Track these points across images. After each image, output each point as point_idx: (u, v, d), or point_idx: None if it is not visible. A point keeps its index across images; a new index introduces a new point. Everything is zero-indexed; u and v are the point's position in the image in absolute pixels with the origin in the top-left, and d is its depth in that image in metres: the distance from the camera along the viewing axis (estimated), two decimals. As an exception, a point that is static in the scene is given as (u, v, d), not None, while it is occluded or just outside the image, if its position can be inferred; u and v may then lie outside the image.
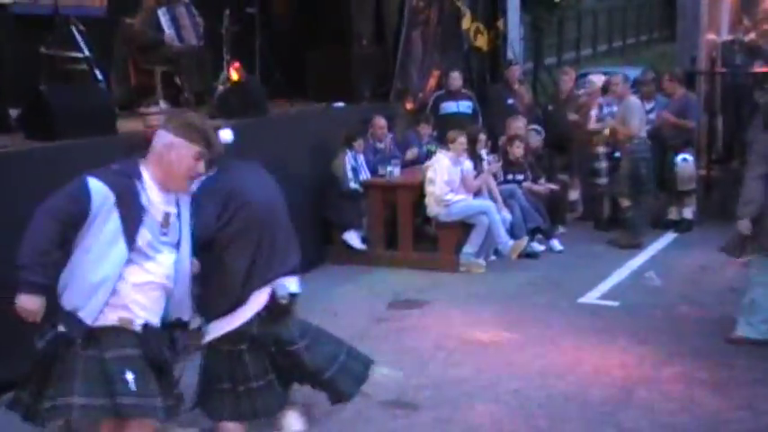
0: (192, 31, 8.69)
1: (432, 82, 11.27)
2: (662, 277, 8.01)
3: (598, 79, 10.43)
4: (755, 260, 6.24)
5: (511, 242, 8.60)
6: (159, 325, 3.75)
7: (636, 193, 9.24)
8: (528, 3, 17.41)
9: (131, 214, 3.58)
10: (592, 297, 7.65)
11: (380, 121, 9.44)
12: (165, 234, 3.71)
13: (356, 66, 10.14)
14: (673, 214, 9.98)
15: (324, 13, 10.54)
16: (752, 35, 11.43)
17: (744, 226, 6.05)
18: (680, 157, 9.64)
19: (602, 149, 9.82)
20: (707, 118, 10.48)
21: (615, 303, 7.42)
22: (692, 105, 9.90)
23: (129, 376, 3.54)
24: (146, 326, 3.67)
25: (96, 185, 3.54)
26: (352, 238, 8.85)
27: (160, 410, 3.63)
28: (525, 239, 8.80)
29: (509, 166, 9.43)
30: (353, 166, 8.87)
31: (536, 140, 10.05)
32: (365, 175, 9.00)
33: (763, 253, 6.10)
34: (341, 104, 9.72)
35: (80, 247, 3.59)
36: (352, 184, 8.82)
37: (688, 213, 9.85)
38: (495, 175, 9.15)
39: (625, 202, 9.31)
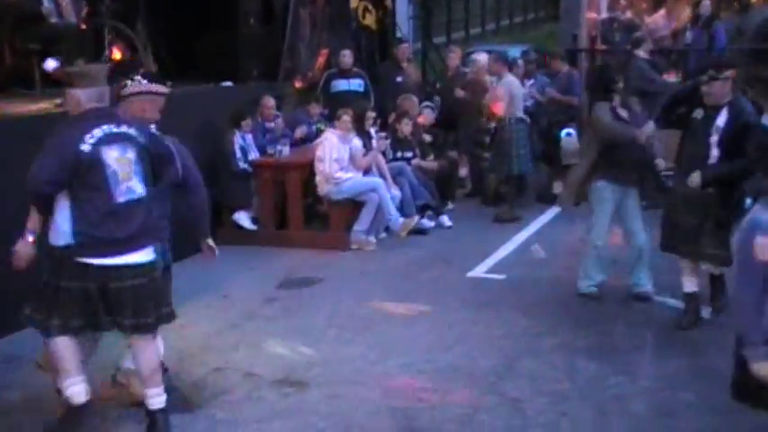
0: (72, 8, 8.41)
1: (321, 61, 11.23)
2: (547, 250, 8.23)
3: (482, 57, 10.58)
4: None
5: (401, 220, 8.70)
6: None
7: (509, 169, 9.47)
8: (416, -19, 17.49)
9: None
10: (480, 271, 7.82)
11: (269, 101, 9.38)
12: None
13: (244, 45, 10.03)
14: (558, 188, 10.22)
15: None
16: (629, 13, 11.83)
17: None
18: (564, 132, 9.89)
19: (491, 125, 9.97)
20: (588, 94, 10.76)
21: (502, 277, 7.60)
22: (574, 82, 10.18)
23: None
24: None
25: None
26: (243, 219, 8.79)
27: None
28: (415, 218, 8.91)
29: (398, 143, 9.52)
30: (242, 147, 8.79)
31: (430, 117, 10.20)
32: (254, 154, 8.93)
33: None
34: (229, 84, 9.61)
35: None
36: (242, 165, 8.75)
37: (572, 187, 10.11)
38: (384, 153, 9.22)
39: (499, 177, 9.53)
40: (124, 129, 4.46)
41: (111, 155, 4.36)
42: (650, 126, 6.53)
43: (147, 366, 4.57)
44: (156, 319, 4.52)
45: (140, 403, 4.67)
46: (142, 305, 4.44)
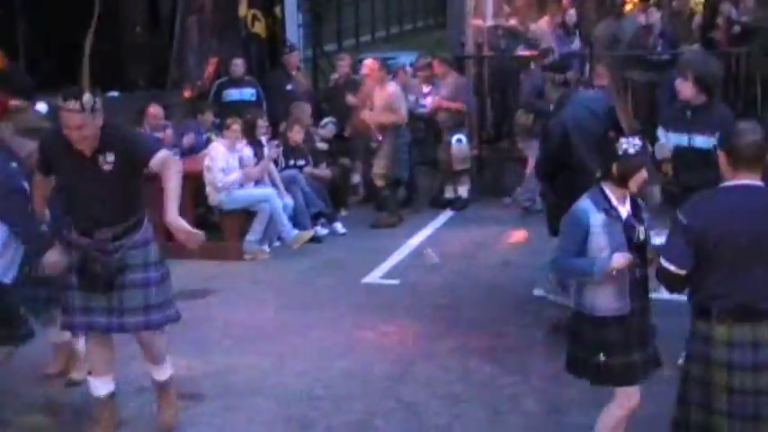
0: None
1: (210, 69, 11.13)
2: (440, 254, 8.34)
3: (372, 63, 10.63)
4: None
5: (294, 232, 8.65)
6: None
7: (392, 175, 9.58)
8: (306, -11, 17.50)
9: None
10: (374, 277, 7.86)
11: (155, 110, 9.21)
12: None
13: (130, 53, 9.88)
14: (449, 193, 10.38)
15: (95, 1, 10.13)
16: (513, 20, 12.08)
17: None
18: (454, 138, 10.03)
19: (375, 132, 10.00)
20: (477, 100, 10.95)
21: (396, 282, 7.66)
22: (462, 89, 10.31)
23: None
24: None
25: None
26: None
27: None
28: (309, 233, 8.85)
29: (290, 151, 9.48)
30: (130, 157, 8.60)
31: (331, 131, 10.29)
32: (143, 165, 8.75)
33: None
34: (115, 94, 9.42)
35: None
36: (130, 176, 8.56)
37: (463, 192, 10.27)
38: (276, 161, 9.18)
39: (380, 183, 9.62)
40: None
41: None
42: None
43: None
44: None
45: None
46: None
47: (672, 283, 3.70)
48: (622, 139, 4.09)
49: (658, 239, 4.07)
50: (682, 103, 5.51)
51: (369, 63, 10.03)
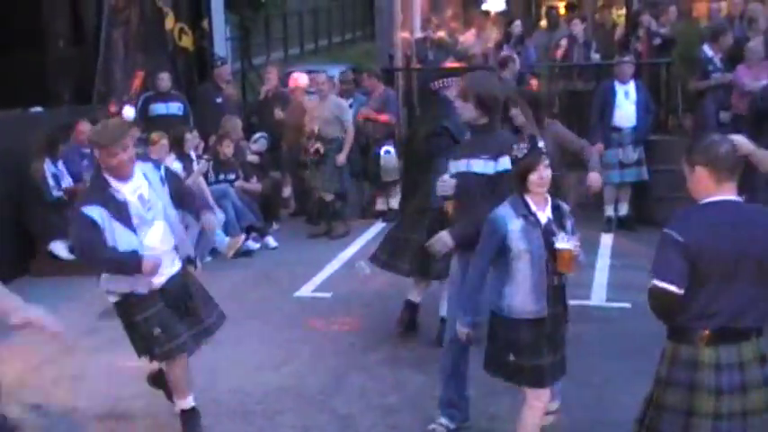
0: None
1: (137, 83, 10.98)
2: (372, 266, 8.34)
3: (302, 77, 10.65)
4: None
5: (226, 239, 8.62)
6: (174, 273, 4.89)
7: (339, 187, 9.61)
8: (233, 2, 17.42)
9: (120, 211, 4.64)
10: (307, 290, 7.85)
11: (83, 126, 9.06)
12: (149, 209, 4.75)
13: (53, 68, 9.70)
14: (380, 204, 10.43)
15: (16, 14, 9.96)
16: (440, 33, 12.22)
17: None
18: (383, 149, 10.09)
19: (314, 146, 9.97)
20: (406, 112, 11.03)
21: (328, 295, 7.67)
22: (391, 101, 10.39)
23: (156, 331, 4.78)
24: (166, 282, 4.83)
25: (91, 210, 4.58)
26: (59, 249, 8.45)
27: (187, 344, 4.88)
28: (241, 237, 8.85)
29: (220, 165, 9.42)
30: (54, 174, 8.47)
31: (263, 146, 10.26)
32: (68, 181, 8.62)
33: None
34: (39, 109, 9.24)
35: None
36: (56, 193, 8.43)
37: (394, 203, 10.31)
38: (206, 176, 9.11)
39: (329, 197, 9.63)
40: None
41: None
42: None
43: None
44: None
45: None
46: None
47: (668, 305, 3.44)
48: (514, 146, 4.28)
49: (561, 244, 4.13)
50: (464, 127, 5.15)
51: (318, 77, 9.96)
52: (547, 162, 4.21)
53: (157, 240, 4.80)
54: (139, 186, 4.75)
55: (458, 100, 4.89)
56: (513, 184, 4.28)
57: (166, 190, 4.91)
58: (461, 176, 4.80)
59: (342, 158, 9.53)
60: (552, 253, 4.14)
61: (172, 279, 4.89)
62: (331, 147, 9.54)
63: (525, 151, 4.21)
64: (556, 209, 4.27)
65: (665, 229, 3.46)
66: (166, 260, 4.85)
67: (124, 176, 4.69)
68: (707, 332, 3.42)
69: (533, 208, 4.20)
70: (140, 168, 4.80)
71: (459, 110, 4.89)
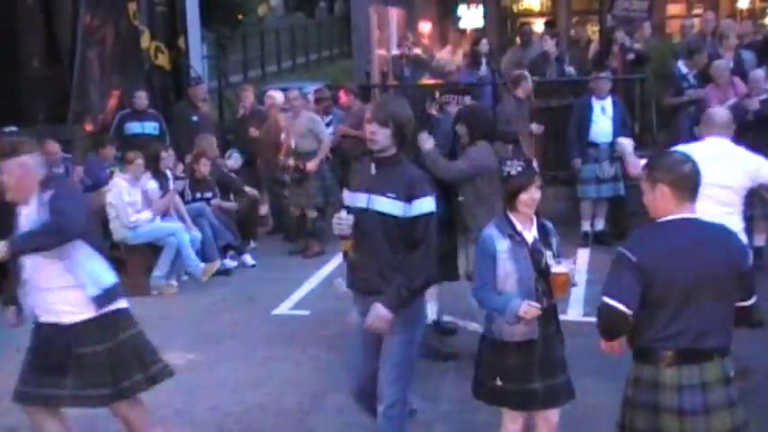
0: None
1: (113, 102, 10.97)
2: (350, 283, 8.33)
3: (278, 94, 10.65)
4: None
5: (202, 265, 8.56)
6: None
7: (323, 202, 9.60)
8: (210, 21, 17.44)
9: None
10: (285, 308, 7.83)
11: (51, 147, 8.99)
12: None
13: (28, 87, 9.65)
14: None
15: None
16: (417, 50, 12.27)
17: None
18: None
19: (291, 162, 9.94)
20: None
21: (306, 313, 7.65)
22: (368, 117, 10.40)
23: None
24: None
25: None
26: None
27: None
28: (217, 263, 8.79)
29: (196, 184, 9.40)
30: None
31: (239, 161, 10.24)
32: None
33: None
34: (13, 128, 9.18)
35: None
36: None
37: (371, 219, 10.29)
38: (182, 194, 9.08)
39: (312, 213, 9.61)
40: None
41: None
42: None
43: None
44: None
45: None
46: None
47: (616, 324, 3.44)
48: (508, 162, 4.24)
49: (557, 268, 4.08)
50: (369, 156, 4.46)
51: (290, 94, 9.96)
52: (539, 183, 4.16)
53: (40, 275, 4.29)
54: (29, 214, 4.27)
55: (373, 124, 4.23)
56: (503, 201, 4.21)
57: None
58: (361, 215, 4.24)
59: (311, 166, 9.46)
60: (541, 273, 4.09)
61: (48, 326, 4.36)
62: (309, 161, 9.54)
63: (519, 169, 4.15)
64: (541, 228, 4.23)
65: (621, 248, 3.46)
66: (47, 301, 4.33)
67: (14, 200, 4.31)
68: (670, 353, 3.40)
69: (519, 228, 4.15)
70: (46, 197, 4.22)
71: (371, 135, 4.24)
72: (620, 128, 9.37)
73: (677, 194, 3.43)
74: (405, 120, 4.25)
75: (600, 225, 9.68)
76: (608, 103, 9.38)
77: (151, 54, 11.51)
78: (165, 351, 6.63)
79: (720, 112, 5.91)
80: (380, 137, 4.22)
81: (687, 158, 3.51)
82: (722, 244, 3.47)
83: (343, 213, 4.27)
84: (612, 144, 9.32)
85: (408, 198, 4.16)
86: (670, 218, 3.45)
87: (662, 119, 10.35)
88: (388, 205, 4.18)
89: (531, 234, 4.18)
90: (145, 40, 11.39)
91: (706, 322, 3.39)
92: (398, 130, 4.22)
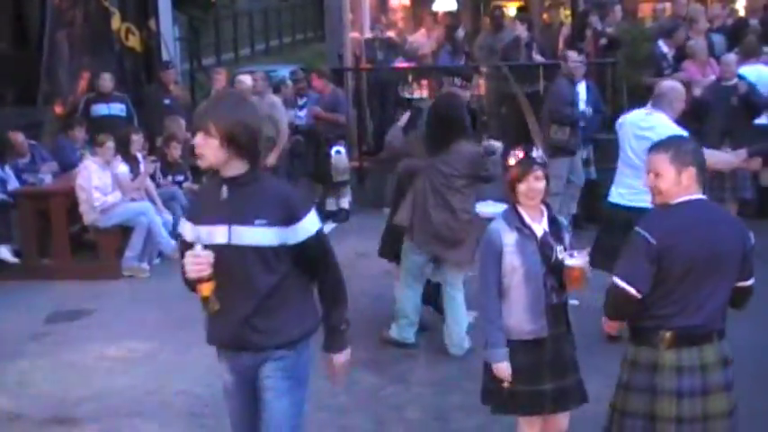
0: None
1: (83, 84, 10.83)
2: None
3: (246, 78, 10.57)
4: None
5: (173, 242, 8.51)
6: None
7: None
8: (182, 3, 17.27)
9: None
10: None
11: (16, 137, 8.92)
12: None
13: (-4, 69, 9.54)
14: (331, 205, 10.39)
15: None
16: (390, 33, 12.23)
17: None
18: (333, 149, 10.06)
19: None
20: (356, 112, 11.01)
21: (279, 295, 7.61)
22: (341, 100, 10.37)
23: None
24: None
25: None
26: (4, 253, 8.34)
27: None
28: None
29: (168, 167, 9.33)
30: (1, 177, 8.35)
31: None
32: (14, 185, 8.50)
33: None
34: (-19, 111, 9.10)
35: None
36: (0, 196, 8.30)
37: (344, 203, 10.31)
38: (153, 177, 9.01)
39: None
40: None
41: None
42: None
43: None
44: None
45: None
46: None
47: (625, 307, 3.45)
48: (511, 152, 4.05)
49: (571, 261, 3.89)
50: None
51: (256, 76, 9.90)
52: (539, 173, 3.93)
53: None
54: None
55: (198, 134, 3.26)
56: (506, 192, 4.05)
57: None
58: (224, 251, 3.30)
59: (270, 160, 9.37)
60: (551, 268, 3.90)
61: None
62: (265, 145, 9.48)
63: (518, 159, 3.95)
64: (553, 221, 4.02)
65: (638, 228, 3.44)
66: None
67: None
68: (668, 334, 3.40)
69: (527, 220, 3.94)
70: None
71: (197, 149, 3.29)
72: (593, 113, 9.39)
73: (699, 177, 3.49)
74: (237, 128, 3.21)
75: (572, 209, 9.70)
76: (582, 87, 9.37)
77: (122, 36, 11.37)
78: (136, 334, 6.68)
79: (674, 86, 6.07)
80: (207, 150, 3.25)
81: (696, 142, 3.69)
82: (731, 223, 3.60)
83: (199, 248, 3.29)
84: (585, 129, 9.36)
85: (286, 221, 3.28)
86: (686, 198, 3.47)
87: (633, 103, 10.38)
88: (258, 236, 3.28)
89: (540, 227, 3.97)
90: (115, 22, 11.25)
91: (707, 303, 3.41)
92: (230, 141, 3.21)
